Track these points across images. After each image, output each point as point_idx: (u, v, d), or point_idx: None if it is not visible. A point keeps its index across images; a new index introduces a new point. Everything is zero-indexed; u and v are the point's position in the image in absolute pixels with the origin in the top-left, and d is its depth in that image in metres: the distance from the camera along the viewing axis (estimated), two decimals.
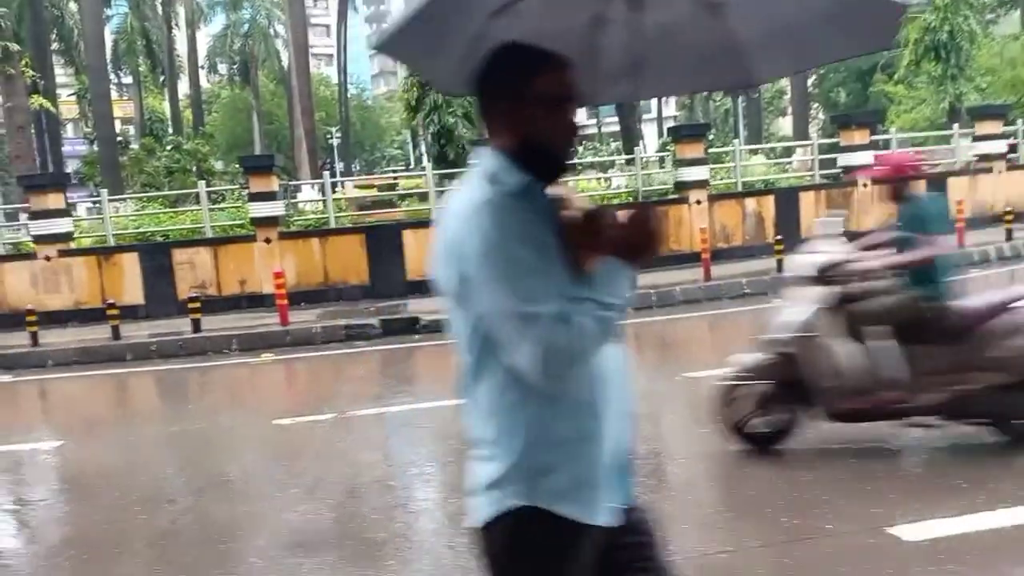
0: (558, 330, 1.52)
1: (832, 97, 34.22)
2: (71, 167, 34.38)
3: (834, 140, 16.21)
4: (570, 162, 1.73)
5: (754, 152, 20.34)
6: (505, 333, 1.58)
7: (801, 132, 30.75)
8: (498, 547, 1.71)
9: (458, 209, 1.66)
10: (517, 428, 1.65)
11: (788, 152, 25.65)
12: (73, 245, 13.49)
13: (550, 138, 1.67)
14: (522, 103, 1.65)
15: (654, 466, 4.98)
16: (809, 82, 34.24)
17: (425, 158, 18.80)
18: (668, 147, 19.17)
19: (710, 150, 16.02)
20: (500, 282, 1.56)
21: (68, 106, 43.30)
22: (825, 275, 4.65)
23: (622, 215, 1.68)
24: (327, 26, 67.61)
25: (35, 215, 13.21)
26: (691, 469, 4.85)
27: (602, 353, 1.65)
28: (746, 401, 4.76)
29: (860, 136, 14.98)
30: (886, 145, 17.34)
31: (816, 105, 37.16)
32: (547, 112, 1.65)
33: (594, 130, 61.46)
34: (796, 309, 4.78)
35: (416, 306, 11.92)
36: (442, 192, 15.02)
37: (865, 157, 14.96)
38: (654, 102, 59.04)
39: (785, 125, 48.56)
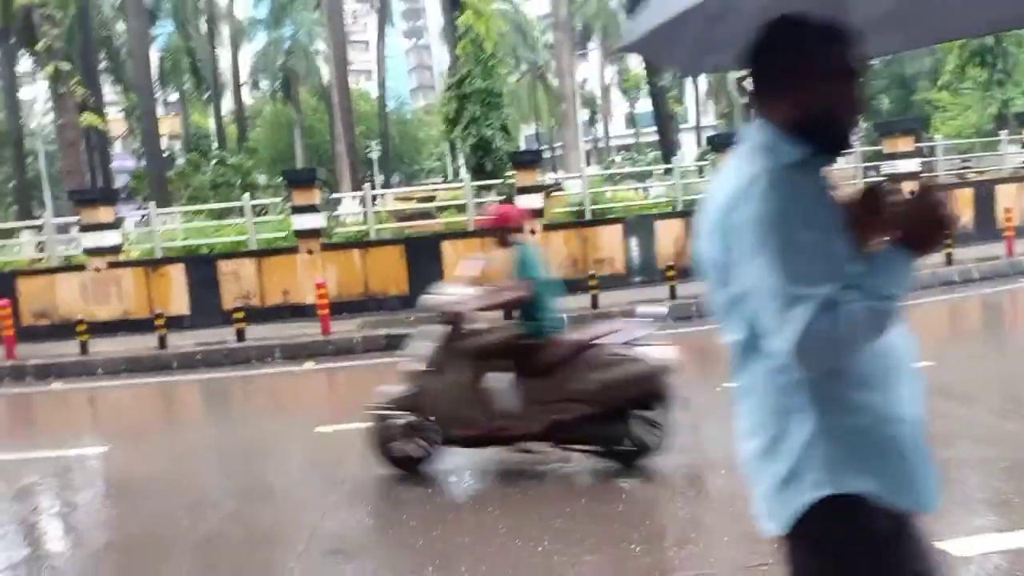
0: (823, 316, 1.39)
1: (875, 104, 33.74)
2: (120, 182, 35.27)
3: (877, 148, 15.96)
4: (851, 138, 1.62)
5: None
6: (767, 312, 1.47)
7: None
8: (812, 549, 1.55)
9: (730, 181, 1.56)
10: (803, 409, 1.52)
11: None
12: (122, 257, 13.82)
13: (835, 112, 1.58)
14: (809, 77, 1.57)
15: (694, 476, 4.93)
16: None
17: (463, 170, 18.92)
18: (707, 156, 19.03)
19: None
20: (770, 257, 1.45)
21: (116, 123, 44.45)
22: (441, 314, 5.14)
23: (909, 194, 1.54)
24: (366, 42, 68.49)
25: (85, 228, 13.57)
26: (732, 480, 4.78)
27: (889, 338, 1.51)
28: (393, 428, 5.18)
29: (904, 144, 14.73)
30: (931, 152, 17.04)
31: None
32: (834, 86, 1.57)
33: (632, 140, 61.37)
34: (420, 344, 5.30)
35: None
36: (480, 203, 15.12)
37: (910, 165, 14.71)
38: (692, 111, 58.85)
39: None
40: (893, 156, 14.76)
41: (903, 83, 32.69)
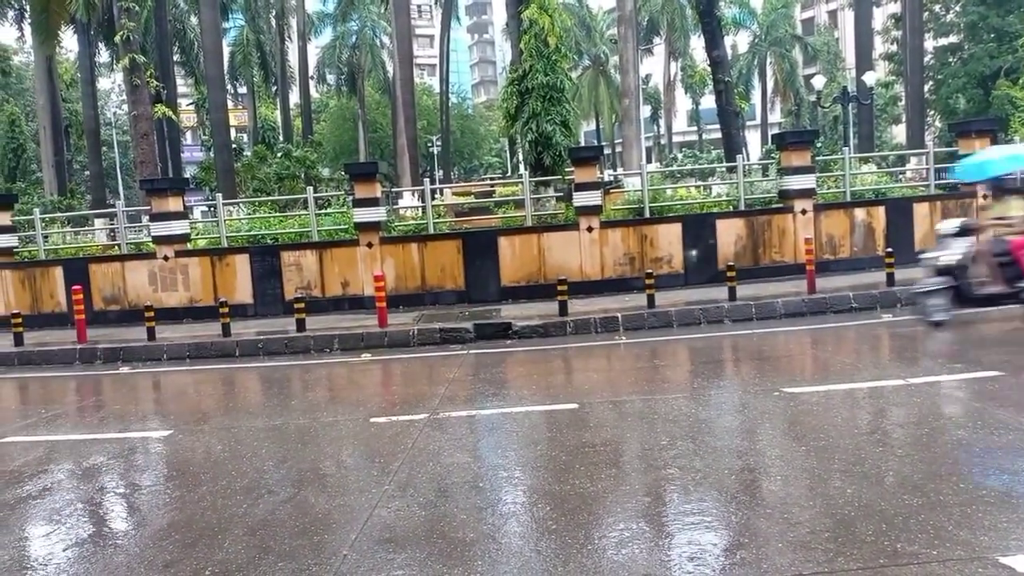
0: None
1: (951, 104, 32.54)
2: (188, 173, 36.26)
3: (952, 149, 15.42)
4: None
5: (865, 160, 19.55)
6: None
7: (916, 140, 29.40)
8: None
9: None
10: None
11: (902, 161, 24.55)
12: (189, 246, 14.22)
13: None
14: None
15: (749, 482, 4.85)
16: (926, 88, 32.67)
17: (522, 166, 18.91)
18: (772, 155, 18.64)
19: (817, 158, 15.50)
20: None
21: (187, 114, 45.71)
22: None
23: None
24: (431, 37, 69.08)
25: (155, 217, 13.99)
26: (788, 487, 4.69)
27: None
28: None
29: (981, 145, 14.18)
30: None
31: (932, 112, 35.44)
32: None
33: (694, 137, 60.55)
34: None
35: (509, 312, 12.01)
36: (538, 199, 15.11)
37: None
38: (758, 108, 57.76)
39: (899, 133, 46.53)
40: (968, 157, 14.23)
41: (981, 82, 31.43)
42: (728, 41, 38.09)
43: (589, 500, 4.64)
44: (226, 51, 36.06)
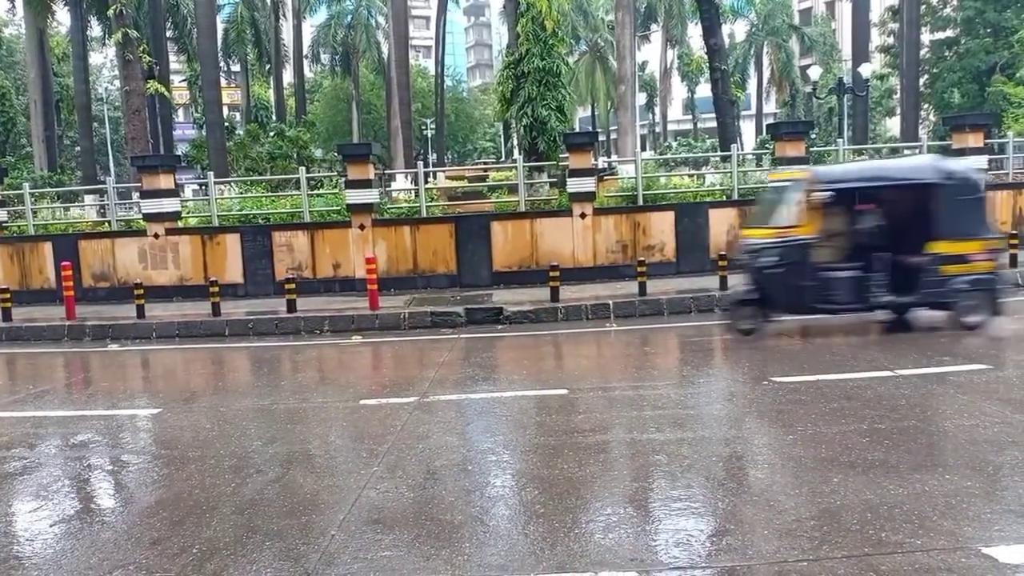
0: None
1: (946, 98, 32.58)
2: (179, 150, 35.99)
3: (945, 143, 15.45)
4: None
5: (859, 152, 19.57)
6: None
7: (910, 134, 29.44)
8: None
9: None
10: None
11: (895, 154, 24.58)
12: (180, 224, 14.13)
13: None
14: None
15: (736, 469, 4.88)
16: (921, 82, 32.69)
17: (516, 150, 18.85)
18: (767, 145, 18.64)
19: (811, 149, 15.51)
20: None
21: (179, 91, 45.28)
22: None
23: None
24: (427, 18, 68.69)
25: (146, 194, 13.89)
26: (774, 474, 4.72)
27: None
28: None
29: (974, 139, 14.23)
30: (1001, 150, 16.44)
31: (927, 106, 35.48)
32: None
33: (690, 125, 60.47)
34: None
35: (501, 297, 12.01)
36: (531, 184, 15.06)
37: (978, 162, 14.21)
38: (754, 97, 57.68)
39: (893, 126, 46.58)
40: (962, 152, 14.27)
41: (976, 77, 31.47)
42: (725, 30, 37.98)
43: (576, 484, 4.66)
44: (220, 28, 35.69)
